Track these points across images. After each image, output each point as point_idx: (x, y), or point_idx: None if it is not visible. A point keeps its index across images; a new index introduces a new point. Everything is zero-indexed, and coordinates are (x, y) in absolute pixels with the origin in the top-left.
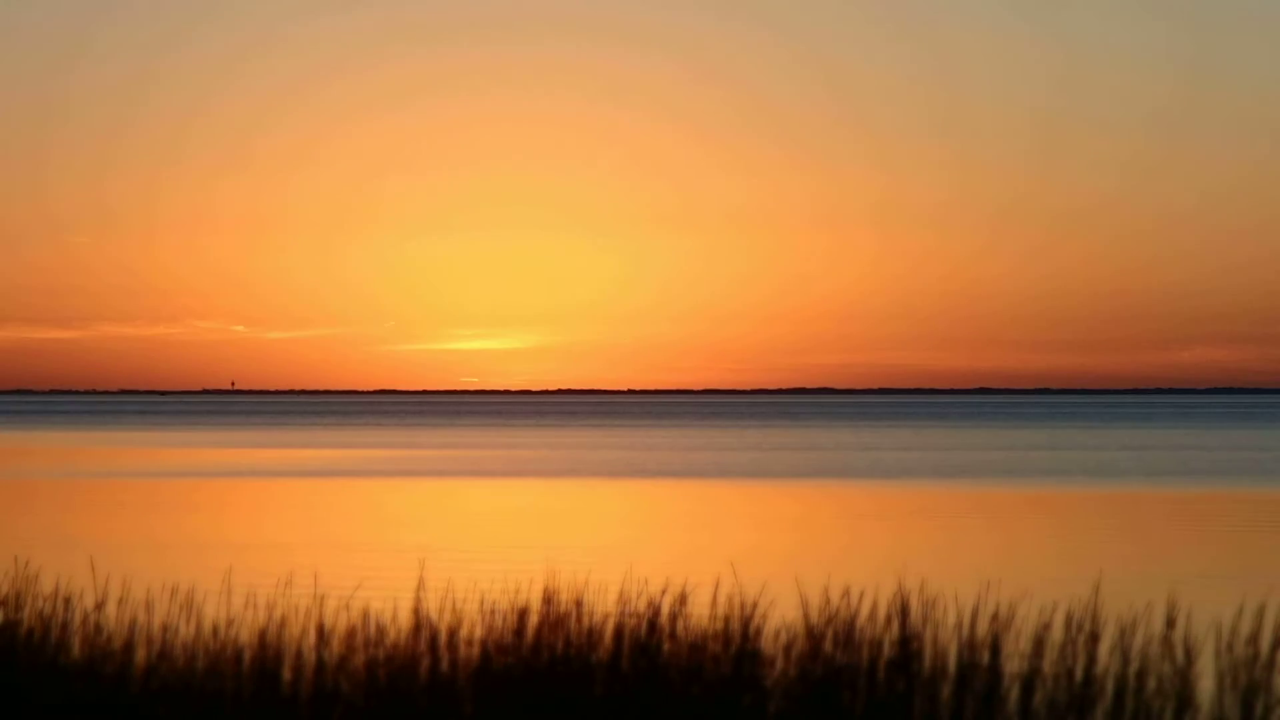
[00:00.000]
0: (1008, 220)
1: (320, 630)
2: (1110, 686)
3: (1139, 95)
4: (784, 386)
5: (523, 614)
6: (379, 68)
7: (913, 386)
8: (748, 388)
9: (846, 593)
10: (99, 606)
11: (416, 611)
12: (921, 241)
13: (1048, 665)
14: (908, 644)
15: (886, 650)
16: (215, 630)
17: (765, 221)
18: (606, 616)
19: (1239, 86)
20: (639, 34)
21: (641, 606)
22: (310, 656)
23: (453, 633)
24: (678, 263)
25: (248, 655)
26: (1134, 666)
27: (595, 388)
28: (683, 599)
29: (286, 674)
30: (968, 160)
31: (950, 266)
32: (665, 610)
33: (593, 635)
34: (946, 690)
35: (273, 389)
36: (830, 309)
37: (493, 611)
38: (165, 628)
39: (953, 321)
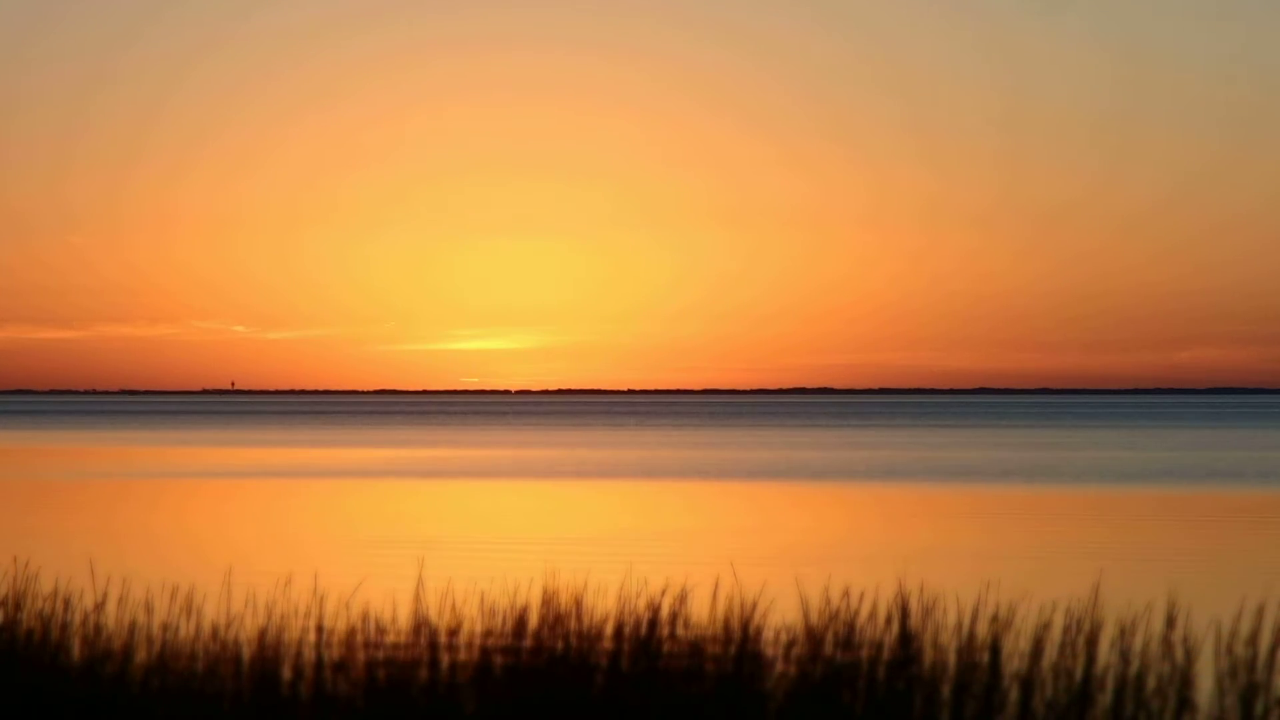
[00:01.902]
0: (1057, 223)
1: (320, 630)
2: (1110, 686)
3: (1204, 99)
4: (784, 386)
5: (523, 614)
6: (378, 56)
7: (913, 386)
8: (749, 388)
9: (846, 593)
10: (99, 607)
11: (416, 611)
12: (967, 242)
13: (1048, 665)
14: (908, 644)
15: (886, 650)
16: (215, 630)
17: (814, 219)
18: (606, 616)
19: None
20: (698, 24)
21: (641, 606)
22: (310, 656)
23: (453, 633)
24: (722, 261)
25: (248, 655)
26: (1134, 666)
27: (596, 388)
28: (683, 599)
29: (286, 674)
30: (1021, 161)
31: (995, 267)
32: (665, 610)
33: (593, 635)
34: (946, 690)
35: (273, 389)
36: (868, 309)
37: (493, 611)
38: (165, 628)
39: (994, 324)
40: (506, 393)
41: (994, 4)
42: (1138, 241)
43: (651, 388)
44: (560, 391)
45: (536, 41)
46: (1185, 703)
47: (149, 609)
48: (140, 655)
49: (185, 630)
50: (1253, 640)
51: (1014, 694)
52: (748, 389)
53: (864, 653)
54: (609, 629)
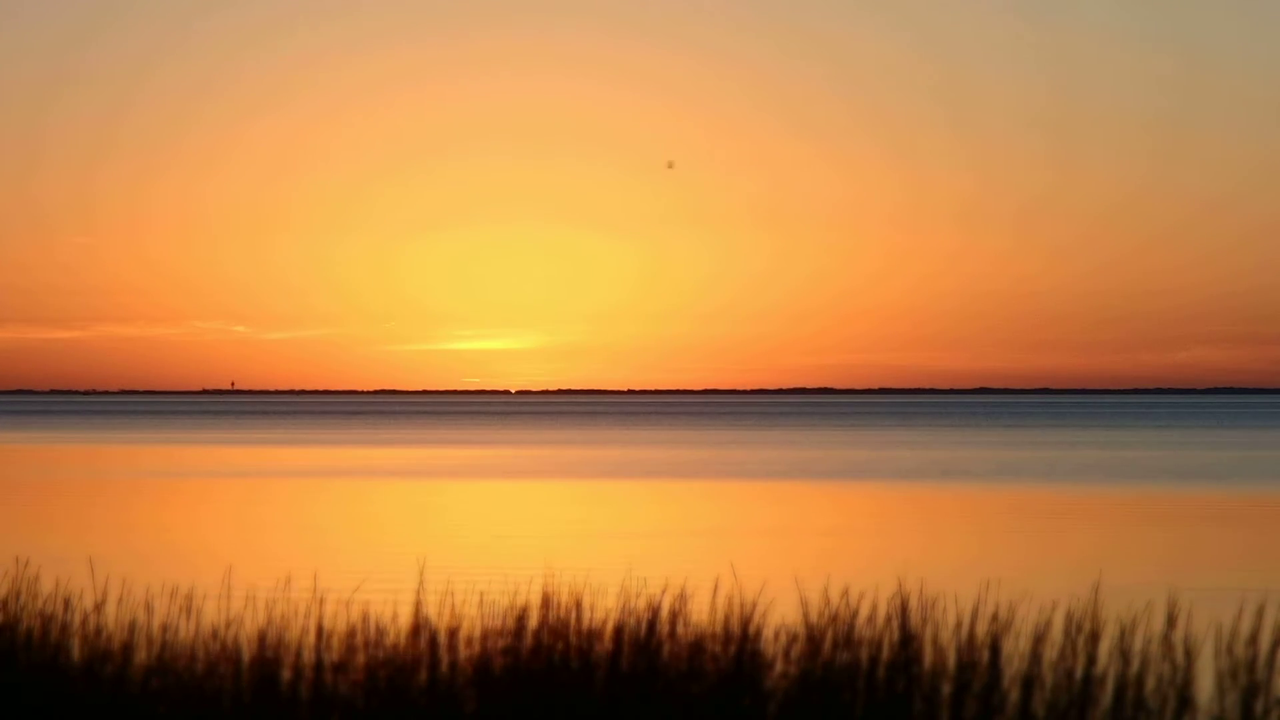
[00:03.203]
0: (1097, 226)
1: (320, 630)
2: (1110, 686)
3: (1255, 101)
4: (784, 387)
5: (522, 614)
6: (379, 51)
7: (912, 386)
8: (748, 388)
9: (846, 593)
10: (99, 607)
11: (416, 612)
12: (1003, 244)
13: (1048, 665)
14: (908, 644)
15: (886, 650)
16: (215, 630)
17: (849, 218)
18: (606, 616)
19: None
20: (737, 18)
21: (641, 606)
22: (310, 657)
23: (453, 633)
24: (758, 260)
25: (248, 655)
26: (1134, 666)
27: (596, 388)
28: (683, 599)
29: (286, 674)
30: (1062, 163)
31: (1029, 270)
32: (665, 610)
33: (593, 635)
34: (946, 690)
35: (273, 389)
36: (900, 310)
37: (493, 611)
38: (165, 628)
39: (1031, 325)
40: (506, 393)
41: (1049, 6)
42: (1177, 246)
43: (655, 388)
44: (561, 392)
45: (542, 21)
46: (1185, 703)
47: (149, 609)
48: (140, 655)
49: (185, 630)
50: (1253, 640)
51: (1014, 694)
52: (747, 389)
53: (864, 653)
54: (609, 629)
